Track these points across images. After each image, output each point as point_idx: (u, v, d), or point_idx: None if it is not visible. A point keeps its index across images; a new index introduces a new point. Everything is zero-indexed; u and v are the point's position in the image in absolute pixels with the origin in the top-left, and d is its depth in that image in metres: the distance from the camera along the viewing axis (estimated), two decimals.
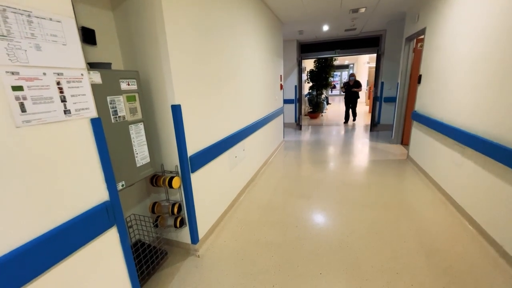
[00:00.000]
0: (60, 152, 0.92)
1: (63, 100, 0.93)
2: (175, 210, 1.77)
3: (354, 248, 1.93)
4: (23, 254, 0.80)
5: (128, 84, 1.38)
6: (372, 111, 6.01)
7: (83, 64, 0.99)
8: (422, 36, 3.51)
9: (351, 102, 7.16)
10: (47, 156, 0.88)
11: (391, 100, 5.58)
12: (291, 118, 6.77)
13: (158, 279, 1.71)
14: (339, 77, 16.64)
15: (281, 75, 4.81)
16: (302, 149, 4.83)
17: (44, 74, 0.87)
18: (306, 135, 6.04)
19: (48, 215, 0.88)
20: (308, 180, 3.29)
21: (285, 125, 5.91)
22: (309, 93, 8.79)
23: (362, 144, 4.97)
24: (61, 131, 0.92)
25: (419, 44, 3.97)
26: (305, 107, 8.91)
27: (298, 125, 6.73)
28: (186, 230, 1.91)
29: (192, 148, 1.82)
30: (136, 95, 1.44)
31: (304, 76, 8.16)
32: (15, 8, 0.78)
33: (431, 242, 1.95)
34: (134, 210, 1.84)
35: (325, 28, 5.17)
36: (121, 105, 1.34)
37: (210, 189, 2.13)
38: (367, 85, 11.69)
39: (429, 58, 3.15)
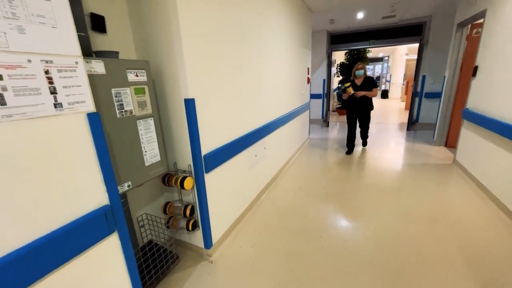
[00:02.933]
0: (49, 151, 0.81)
1: (53, 91, 0.81)
2: (188, 212, 1.65)
3: (388, 268, 1.65)
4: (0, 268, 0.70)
5: (137, 75, 1.26)
6: (410, 108, 5.41)
7: (77, 51, 0.86)
8: (480, 21, 2.97)
9: (358, 114, 3.84)
10: (32, 155, 0.77)
11: (434, 96, 4.96)
12: (317, 114, 6.39)
13: (168, 283, 1.61)
14: (372, 71, 15.53)
15: (308, 68, 4.49)
16: (329, 148, 4.50)
17: (29, 61, 0.75)
18: (334, 132, 5.66)
19: (30, 225, 0.78)
20: (335, 183, 3.00)
21: (311, 122, 5.57)
22: (338, 88, 8.27)
23: (397, 144, 4.49)
24: (50, 127, 0.81)
25: (474, 31, 3.40)
26: (333, 103, 8.40)
27: (325, 122, 6.34)
28: (199, 233, 1.78)
29: (207, 146, 1.67)
30: (146, 87, 1.31)
31: (334, 70, 7.64)
32: None
33: (485, 268, 1.60)
34: (146, 209, 1.76)
35: (360, 16, 4.69)
36: (128, 98, 1.22)
37: (226, 191, 1.97)
38: (404, 79, 10.70)
39: (490, 46, 2.64)
